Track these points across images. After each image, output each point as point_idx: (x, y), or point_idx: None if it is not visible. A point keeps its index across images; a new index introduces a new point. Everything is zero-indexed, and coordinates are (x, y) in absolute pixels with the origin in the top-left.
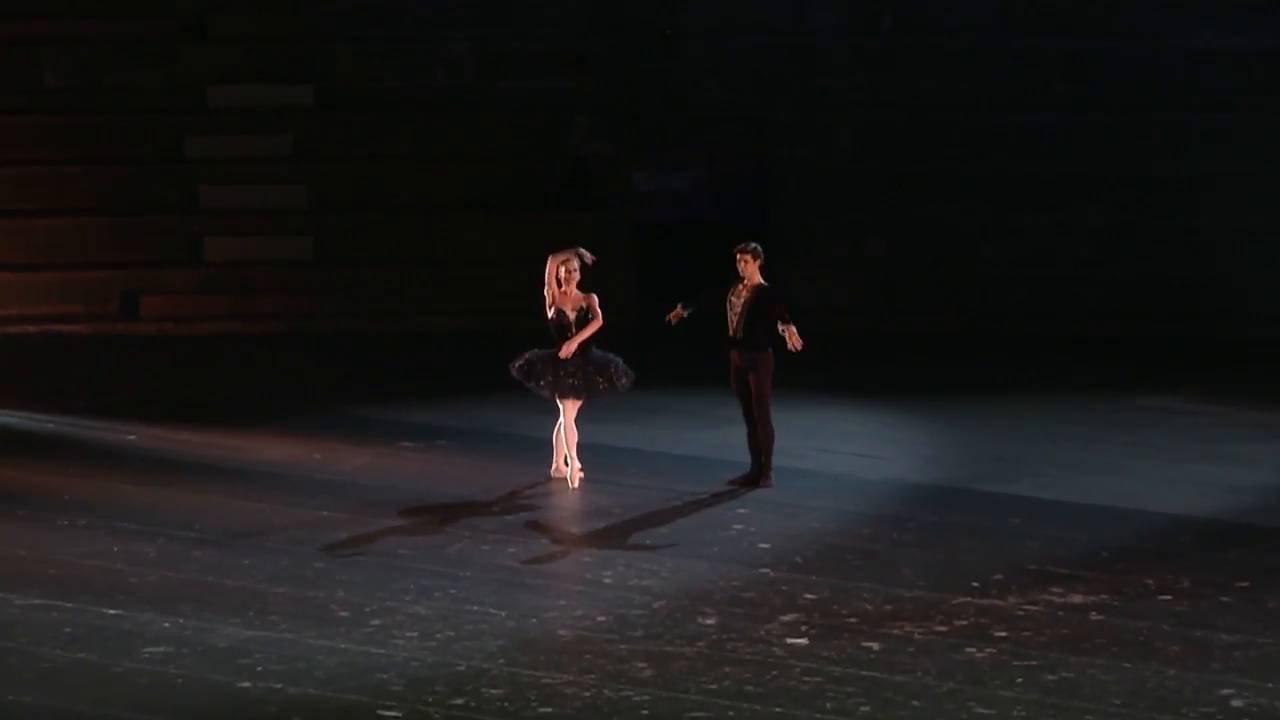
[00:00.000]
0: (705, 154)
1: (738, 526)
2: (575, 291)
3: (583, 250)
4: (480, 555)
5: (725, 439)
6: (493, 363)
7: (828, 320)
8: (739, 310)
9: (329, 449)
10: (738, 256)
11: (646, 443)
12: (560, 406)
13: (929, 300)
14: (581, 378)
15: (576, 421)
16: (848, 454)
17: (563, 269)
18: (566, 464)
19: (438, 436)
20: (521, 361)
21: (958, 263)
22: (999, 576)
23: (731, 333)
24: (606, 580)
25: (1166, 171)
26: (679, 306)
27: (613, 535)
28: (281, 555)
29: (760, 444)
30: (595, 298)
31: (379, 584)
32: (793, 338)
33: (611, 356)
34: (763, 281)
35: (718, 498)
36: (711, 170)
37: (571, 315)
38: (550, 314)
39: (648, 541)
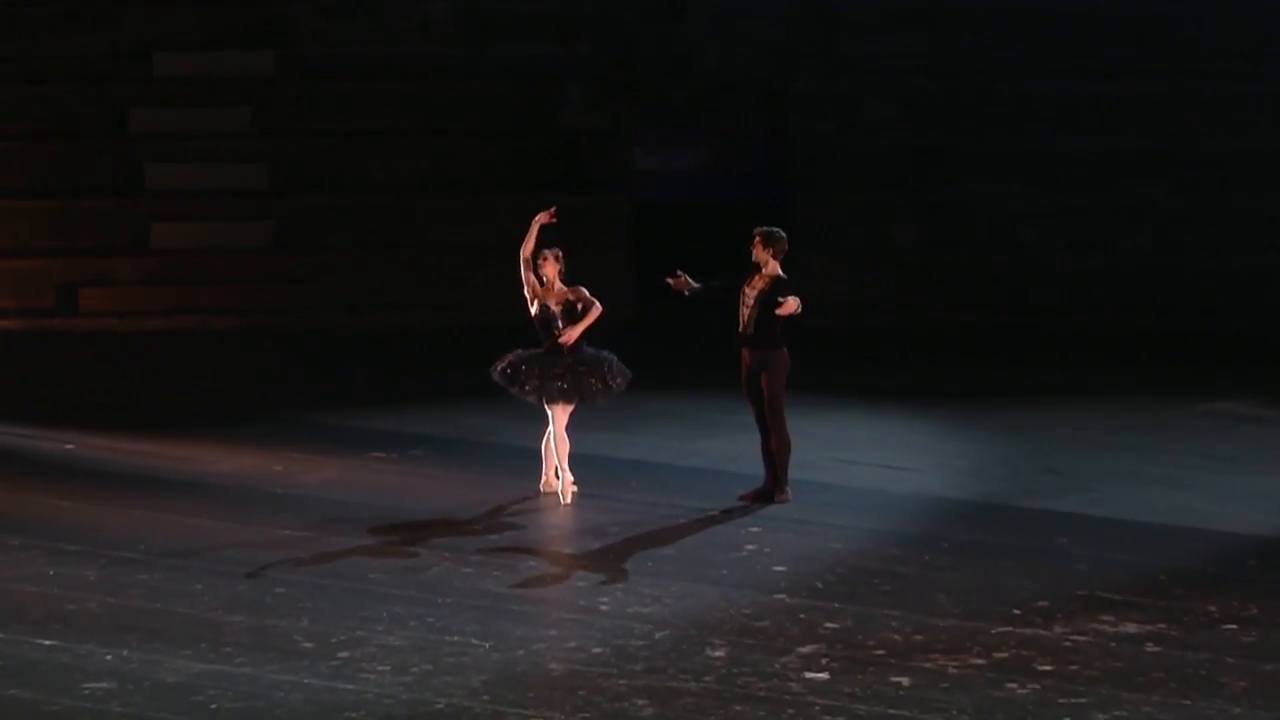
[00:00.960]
0: (714, 128)
1: (750, 547)
2: (559, 285)
3: (542, 217)
4: (461, 579)
5: (736, 448)
6: (474, 362)
7: (852, 314)
8: (751, 303)
9: (291, 460)
10: (755, 240)
11: (648, 453)
12: (549, 413)
13: (965, 292)
14: (571, 379)
15: (568, 429)
16: (873, 465)
17: (541, 262)
18: (557, 476)
19: (412, 446)
20: (504, 364)
21: (998, 250)
22: (1044, 603)
23: (742, 328)
24: (603, 607)
25: (1232, 147)
26: (684, 276)
27: (610, 557)
28: (238, 579)
29: (775, 454)
30: (584, 289)
31: (347, 611)
32: (786, 305)
33: (605, 354)
34: (781, 273)
35: (727, 515)
36: (721, 147)
37: (557, 310)
38: (533, 310)
39: (649, 564)
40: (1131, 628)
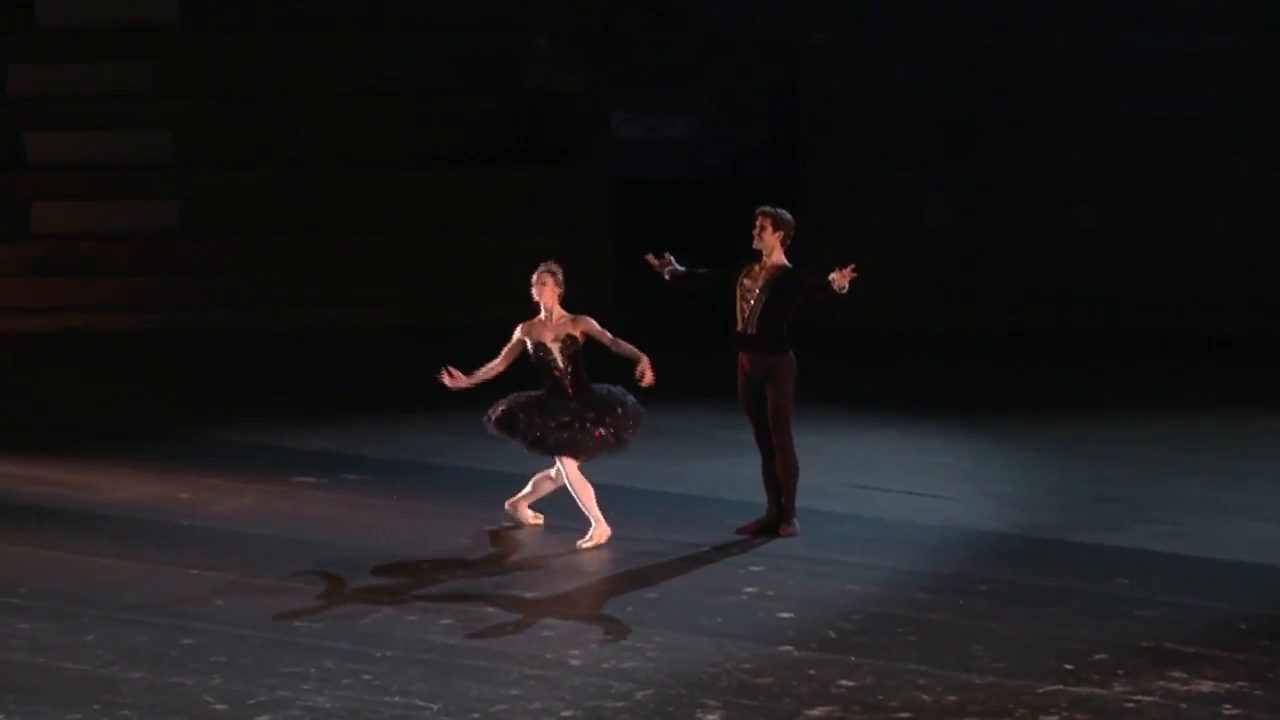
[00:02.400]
0: (709, 90)
1: (750, 589)
2: (559, 313)
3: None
4: (404, 629)
5: (735, 472)
6: (420, 369)
7: (874, 311)
8: (754, 297)
9: (200, 486)
10: (756, 221)
11: (629, 477)
12: (557, 463)
13: (1010, 285)
14: (579, 429)
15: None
16: (898, 492)
17: (538, 286)
18: (530, 510)
19: (346, 469)
20: (499, 411)
21: (1050, 235)
22: (1101, 657)
23: (741, 327)
24: (574, 662)
25: None
26: (668, 256)
27: (583, 601)
28: (137, 628)
29: (781, 479)
30: (591, 321)
31: (268, 667)
32: (842, 275)
33: (615, 392)
34: (786, 262)
35: (723, 551)
36: (718, 112)
37: (554, 349)
38: (530, 350)
39: (629, 609)
40: (1206, 686)
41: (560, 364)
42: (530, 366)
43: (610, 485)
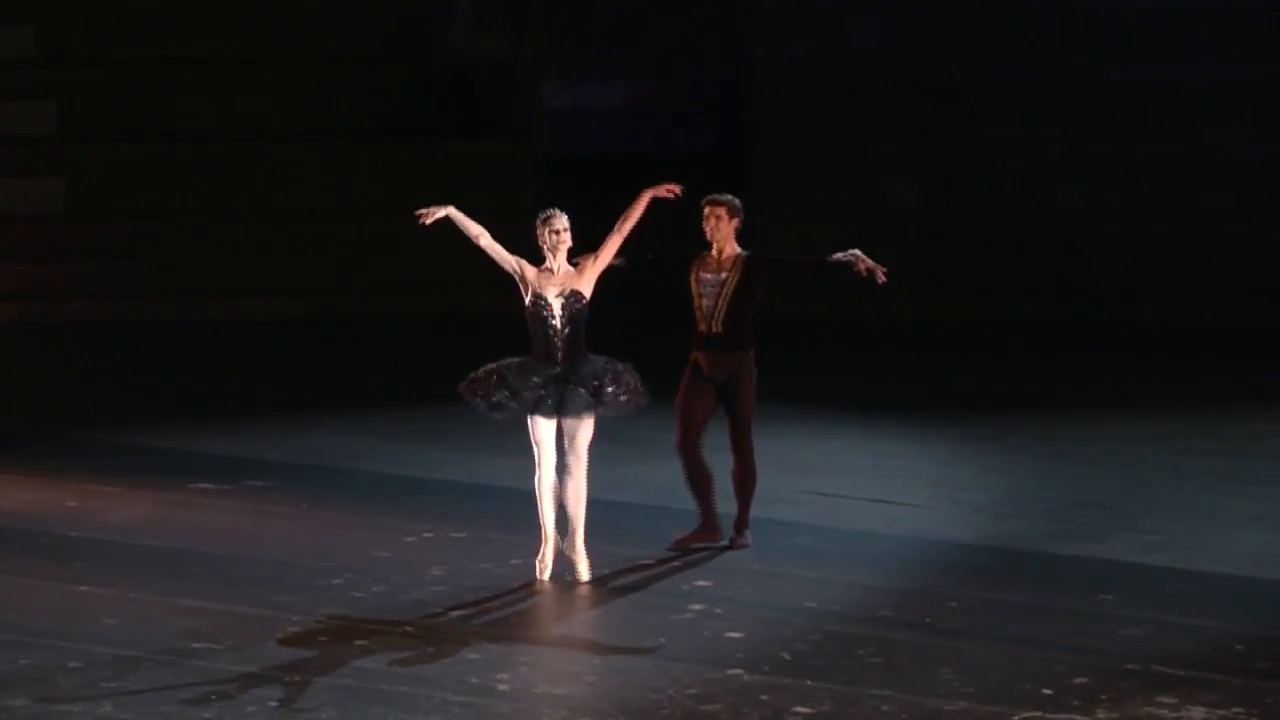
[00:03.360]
0: (649, 55)
1: (696, 607)
2: (566, 268)
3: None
4: (314, 650)
5: (679, 478)
6: (330, 364)
7: (833, 302)
8: (718, 295)
9: (89, 493)
10: (706, 211)
11: None
12: (534, 443)
13: (985, 271)
14: (554, 390)
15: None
16: (860, 500)
17: (546, 232)
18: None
19: (249, 474)
20: (477, 373)
21: (1029, 215)
22: (1083, 680)
23: (705, 327)
24: (502, 687)
25: None
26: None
27: (512, 621)
28: (19, 651)
29: (738, 485)
30: (594, 259)
31: (164, 692)
32: (864, 264)
33: (619, 366)
34: (742, 249)
35: (667, 564)
36: (658, 80)
37: (555, 305)
38: (526, 301)
39: (563, 630)
40: (1199, 713)
41: (558, 323)
42: (524, 323)
43: None
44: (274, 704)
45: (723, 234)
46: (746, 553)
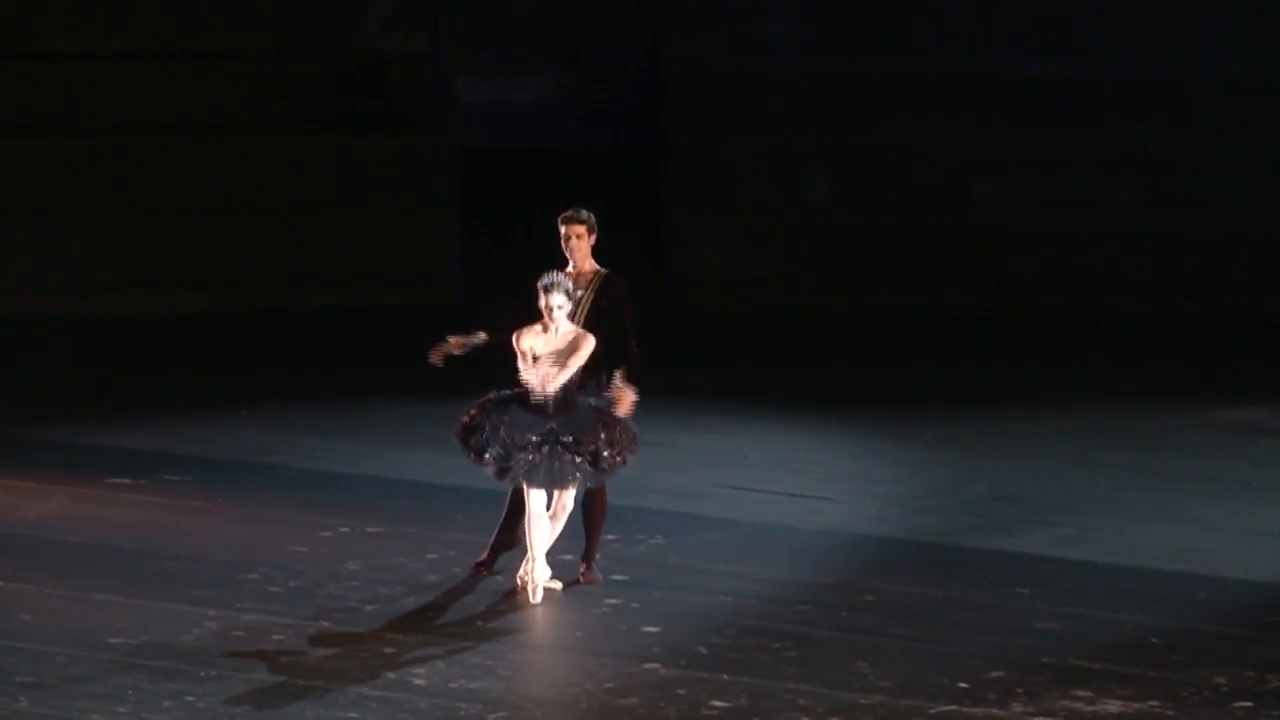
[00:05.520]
0: (564, 49)
1: (613, 601)
2: (565, 328)
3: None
4: (230, 645)
5: None
6: (244, 359)
7: (748, 296)
8: (574, 313)
9: (1, 488)
10: (564, 230)
11: (479, 478)
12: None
13: (898, 264)
14: (548, 455)
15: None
16: (775, 493)
17: (541, 303)
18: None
19: (165, 469)
20: (470, 414)
21: (943, 209)
22: (999, 674)
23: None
24: (419, 682)
25: (1253, 75)
26: (452, 339)
27: (428, 615)
28: None
29: (592, 514)
30: (590, 338)
31: (79, 688)
32: (624, 399)
33: (609, 413)
34: (600, 268)
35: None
36: (574, 74)
37: (548, 360)
38: (524, 357)
39: (480, 624)
40: (1115, 706)
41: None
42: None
43: (458, 487)
44: (190, 699)
45: (584, 251)
46: (662, 547)
